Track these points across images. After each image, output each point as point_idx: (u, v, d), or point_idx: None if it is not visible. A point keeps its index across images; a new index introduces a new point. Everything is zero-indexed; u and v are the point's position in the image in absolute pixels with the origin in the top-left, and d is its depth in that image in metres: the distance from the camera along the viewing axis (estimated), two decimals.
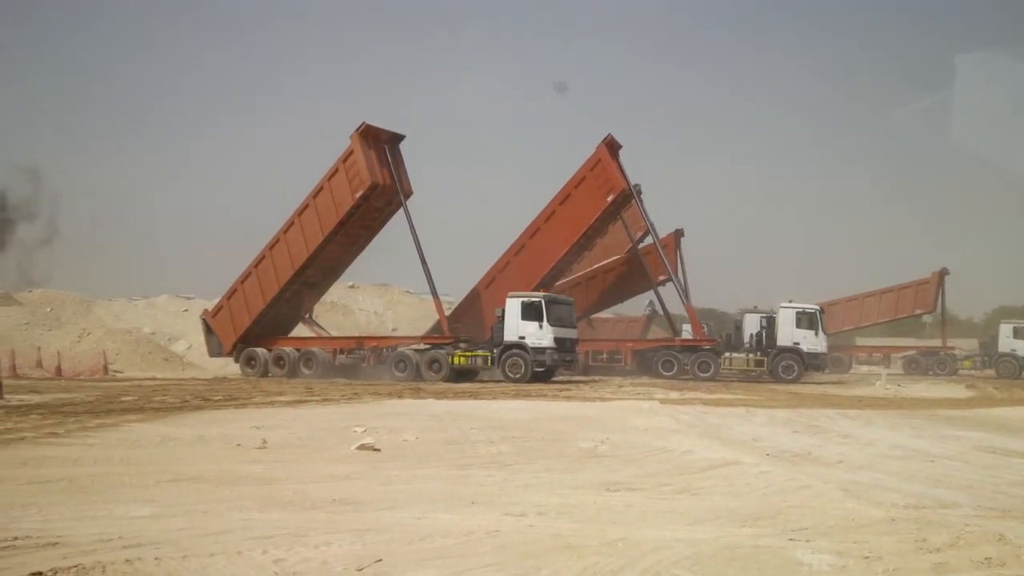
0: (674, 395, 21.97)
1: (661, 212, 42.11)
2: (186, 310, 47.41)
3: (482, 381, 29.22)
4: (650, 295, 41.78)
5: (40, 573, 5.16)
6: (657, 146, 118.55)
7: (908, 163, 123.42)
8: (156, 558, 5.50)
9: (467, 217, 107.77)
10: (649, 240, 36.53)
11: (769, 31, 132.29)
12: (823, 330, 33.31)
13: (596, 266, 40.67)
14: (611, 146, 32.05)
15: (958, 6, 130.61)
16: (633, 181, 32.64)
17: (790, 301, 33.66)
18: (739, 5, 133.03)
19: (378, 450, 10.57)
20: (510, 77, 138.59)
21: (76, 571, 5.21)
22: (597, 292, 40.63)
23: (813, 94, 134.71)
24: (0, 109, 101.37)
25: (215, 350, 32.81)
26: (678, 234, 39.86)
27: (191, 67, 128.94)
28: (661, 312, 40.35)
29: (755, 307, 34.70)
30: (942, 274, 47.01)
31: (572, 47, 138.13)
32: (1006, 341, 41.68)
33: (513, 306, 28.86)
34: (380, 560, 5.60)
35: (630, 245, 38.11)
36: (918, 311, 49.17)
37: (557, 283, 35.85)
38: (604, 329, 42.61)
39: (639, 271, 38.30)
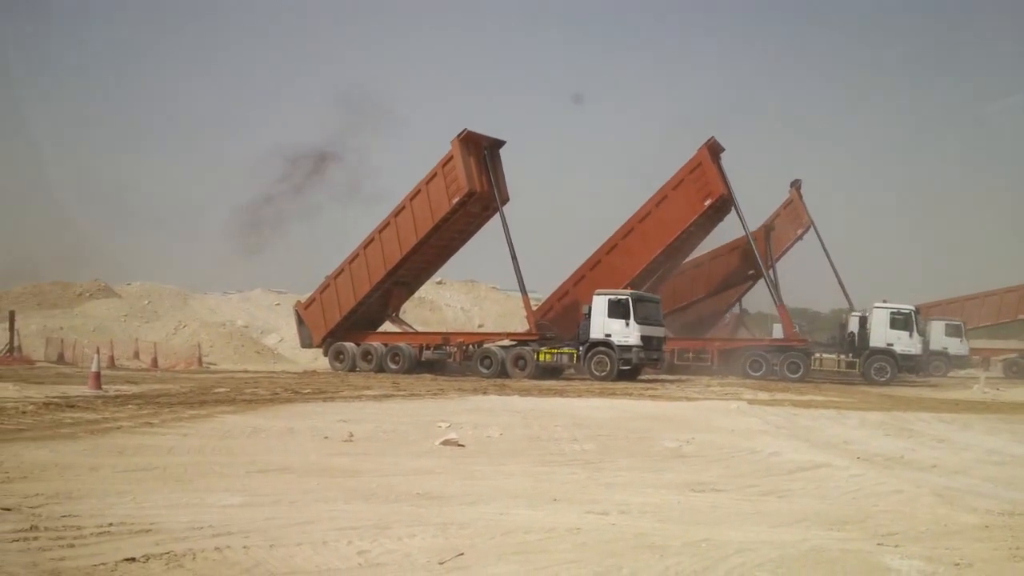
0: (763, 396, 21.61)
1: (757, 212, 41.23)
2: (278, 304, 48.43)
3: (567, 379, 29.17)
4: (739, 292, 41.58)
5: (133, 559, 5.30)
6: (757, 145, 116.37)
7: (1005, 160, 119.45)
8: (244, 546, 5.62)
9: (557, 214, 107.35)
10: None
11: (872, 29, 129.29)
12: (919, 331, 32.38)
13: (685, 261, 40.19)
14: (712, 149, 31.32)
15: None
16: (729, 181, 31.93)
17: (884, 301, 32.78)
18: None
19: (462, 445, 10.64)
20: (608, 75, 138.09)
21: (167, 558, 5.35)
22: (694, 285, 40.18)
23: (917, 89, 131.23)
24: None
25: (305, 341, 33.41)
26: (767, 229, 39.14)
27: (239, 64, 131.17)
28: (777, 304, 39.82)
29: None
30: None
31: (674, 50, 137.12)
32: None
33: (600, 303, 28.66)
34: (462, 554, 5.63)
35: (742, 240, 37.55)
36: (1022, 316, 47.55)
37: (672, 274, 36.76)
38: (689, 327, 42.06)
39: (738, 266, 38.05)
